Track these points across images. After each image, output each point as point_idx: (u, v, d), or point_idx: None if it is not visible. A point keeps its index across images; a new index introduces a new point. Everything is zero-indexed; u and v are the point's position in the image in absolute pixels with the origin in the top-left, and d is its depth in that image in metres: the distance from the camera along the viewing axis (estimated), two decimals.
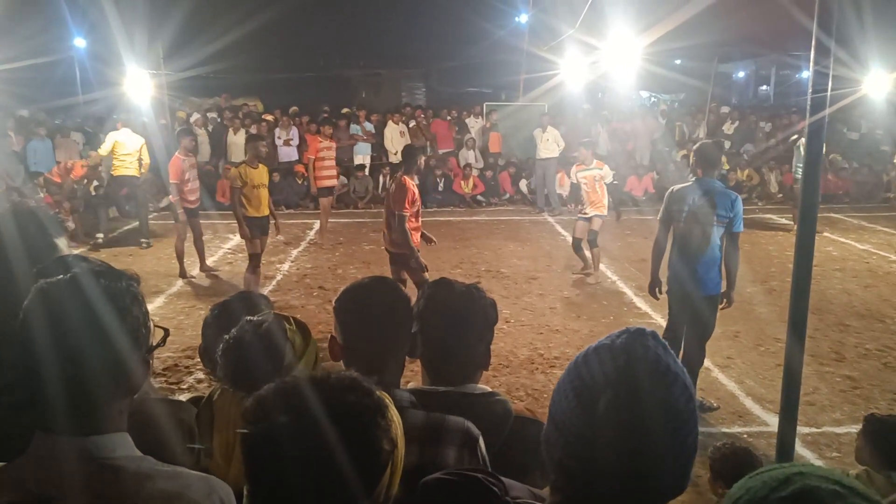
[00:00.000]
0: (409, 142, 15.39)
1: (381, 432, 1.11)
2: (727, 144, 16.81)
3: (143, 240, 10.95)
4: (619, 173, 14.90)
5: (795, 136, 12.23)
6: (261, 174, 7.75)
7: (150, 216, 13.16)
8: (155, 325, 1.39)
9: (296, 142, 14.70)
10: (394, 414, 1.18)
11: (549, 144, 14.02)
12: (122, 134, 10.82)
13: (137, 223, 11.52)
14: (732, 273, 5.14)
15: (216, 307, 2.24)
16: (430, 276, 6.38)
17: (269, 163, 11.13)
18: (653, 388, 1.03)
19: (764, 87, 30.44)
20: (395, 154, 15.26)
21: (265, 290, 8.34)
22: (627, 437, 1.02)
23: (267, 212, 7.84)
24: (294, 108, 15.73)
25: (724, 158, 15.90)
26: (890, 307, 7.91)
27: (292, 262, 9.93)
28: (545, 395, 5.46)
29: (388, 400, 1.19)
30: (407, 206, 6.27)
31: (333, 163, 11.38)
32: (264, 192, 7.78)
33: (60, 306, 1.23)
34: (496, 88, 24.73)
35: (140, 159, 10.89)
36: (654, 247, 5.41)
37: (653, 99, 23.60)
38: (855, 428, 4.96)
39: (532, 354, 6.37)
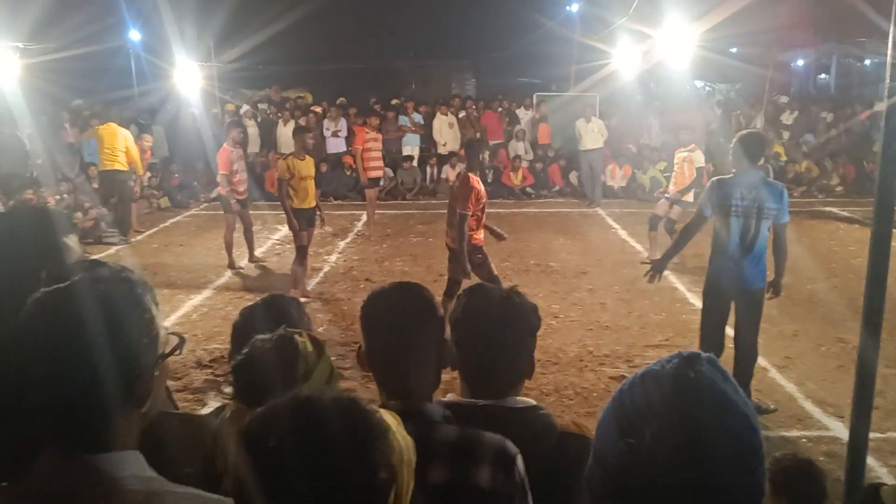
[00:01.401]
0: (458, 133, 15.29)
1: (376, 459, 1.01)
2: (786, 135, 16.31)
3: (121, 237, 10.71)
4: (672, 165, 14.57)
5: None
6: (308, 166, 7.74)
7: (201, 207, 13.40)
8: (169, 333, 1.30)
9: (344, 133, 14.72)
10: (398, 440, 1.08)
11: (594, 135, 13.75)
12: (109, 128, 10.77)
13: (181, 214, 11.65)
14: (782, 263, 5.01)
15: (245, 311, 2.16)
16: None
17: (317, 154, 11.11)
18: (706, 418, 0.90)
19: (824, 76, 29.44)
20: (444, 145, 15.17)
21: (312, 282, 8.35)
22: (677, 473, 0.88)
23: (314, 203, 7.83)
24: (342, 100, 15.73)
25: (782, 149, 15.47)
26: None
27: (340, 253, 9.93)
28: (594, 395, 5.31)
29: (393, 423, 1.09)
30: (470, 205, 5.99)
31: (380, 154, 11.27)
32: (311, 184, 7.77)
33: (55, 317, 1.15)
34: (547, 79, 24.42)
35: (125, 151, 10.76)
36: (687, 229, 5.24)
37: (708, 89, 23.03)
38: None
39: (581, 352, 6.21)
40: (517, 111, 16.07)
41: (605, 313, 7.31)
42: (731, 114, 16.70)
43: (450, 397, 1.74)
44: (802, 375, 5.73)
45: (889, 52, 2.57)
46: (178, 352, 1.31)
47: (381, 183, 12.41)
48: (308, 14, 16.75)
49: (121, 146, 10.74)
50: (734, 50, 21.16)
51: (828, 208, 13.10)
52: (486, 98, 17.47)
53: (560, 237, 10.88)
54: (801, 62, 29.34)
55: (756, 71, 18.18)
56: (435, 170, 14.94)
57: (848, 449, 2.79)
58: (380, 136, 11.38)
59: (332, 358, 5.72)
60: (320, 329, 6.79)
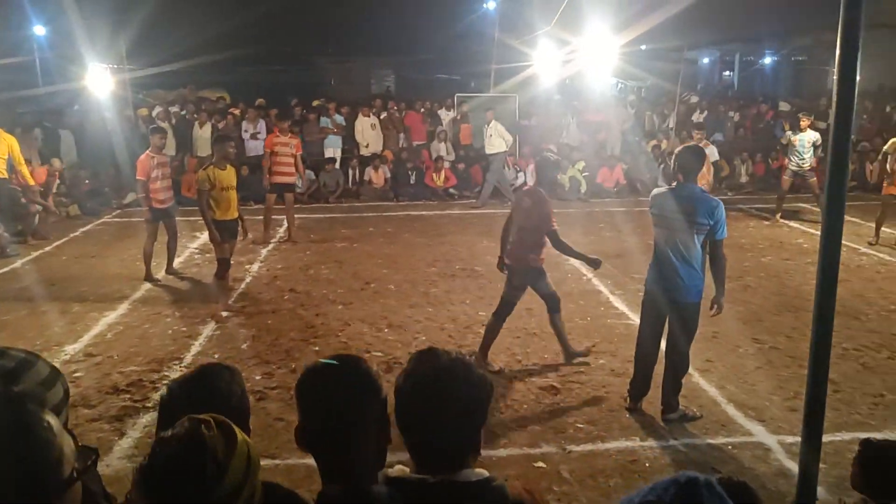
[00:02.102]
0: (381, 134, 15.17)
1: None
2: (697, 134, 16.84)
3: (8, 248, 10.01)
4: (591, 164, 14.90)
5: (789, 132, 12.27)
6: (229, 176, 7.51)
7: (114, 214, 12.85)
8: (80, 446, 1.19)
9: (263, 135, 14.35)
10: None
11: (493, 140, 13.75)
12: None
13: (92, 223, 11.14)
14: (719, 279, 5.05)
15: (173, 386, 1.95)
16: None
17: (236, 157, 10.68)
18: None
19: (728, 73, 30.79)
20: (367, 147, 15.03)
21: (234, 294, 8.12)
22: None
23: (235, 214, 7.62)
24: (261, 101, 15.39)
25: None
26: (863, 302, 7.90)
27: (262, 262, 9.69)
28: (525, 406, 5.36)
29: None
30: (554, 220, 5.93)
31: (291, 160, 10.74)
32: (233, 195, 7.55)
33: None
34: (466, 76, 24.56)
35: (5, 158, 10.19)
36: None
37: (620, 85, 23.62)
38: (839, 436, 4.94)
39: (510, 361, 6.25)
40: (439, 112, 16.06)
41: (531, 319, 7.36)
42: (643, 114, 17.16)
43: (397, 470, 1.66)
44: (723, 378, 5.92)
45: (837, 52, 2.61)
46: (91, 467, 1.20)
47: (300, 187, 11.89)
48: (224, 11, 16.29)
49: (1, 153, 10.18)
50: (644, 47, 21.77)
51: (738, 206, 13.60)
52: (406, 96, 17.42)
53: (485, 239, 10.91)
54: (706, 60, 30.64)
55: (666, 68, 18.77)
56: (357, 172, 14.78)
57: (799, 475, 2.86)
58: (292, 141, 10.90)
59: (257, 377, 5.55)
60: (244, 345, 6.62)
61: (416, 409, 1.61)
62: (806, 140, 11.61)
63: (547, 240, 5.97)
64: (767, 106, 17.74)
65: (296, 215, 11.22)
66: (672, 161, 5.13)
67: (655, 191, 5.15)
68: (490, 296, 8.12)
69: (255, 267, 9.42)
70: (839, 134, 2.66)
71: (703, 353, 6.41)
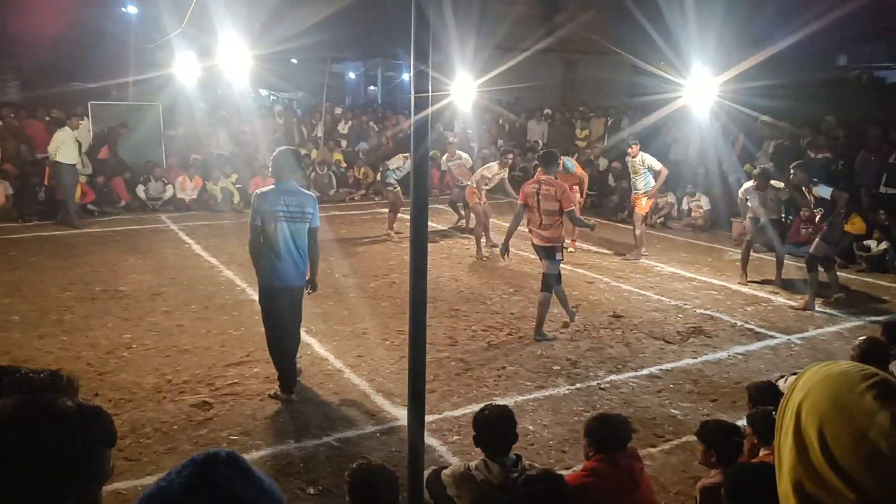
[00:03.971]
0: None
1: None
2: (343, 143, 17.66)
3: None
4: (243, 176, 14.72)
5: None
6: None
7: None
8: None
9: None
10: None
11: (69, 151, 12.21)
12: None
13: None
14: (316, 262, 5.69)
15: None
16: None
17: None
18: None
19: (372, 88, 32.73)
20: None
21: None
22: None
23: None
24: None
25: (342, 157, 16.71)
26: (489, 288, 8.98)
27: None
28: (175, 427, 5.11)
29: None
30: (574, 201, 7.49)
31: None
32: None
33: None
34: (104, 84, 22.69)
35: None
36: (253, 251, 5.56)
37: (272, 97, 23.78)
38: (471, 409, 5.51)
39: (159, 381, 5.91)
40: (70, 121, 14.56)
41: (183, 335, 7.06)
42: (292, 123, 17.48)
43: None
44: (372, 371, 6.26)
45: (411, 68, 2.89)
46: None
47: None
48: None
49: None
50: (295, 61, 22.24)
51: (384, 210, 14.47)
52: (30, 105, 15.50)
53: (130, 257, 10.19)
54: (353, 75, 32.26)
55: (316, 81, 19.39)
56: None
57: (408, 451, 3.11)
58: None
59: None
60: None
61: None
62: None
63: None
64: (405, 117, 19.20)
65: None
66: (274, 159, 5.50)
67: (259, 190, 5.49)
68: (136, 316, 7.62)
69: None
70: (418, 147, 2.95)
71: (354, 349, 6.75)
